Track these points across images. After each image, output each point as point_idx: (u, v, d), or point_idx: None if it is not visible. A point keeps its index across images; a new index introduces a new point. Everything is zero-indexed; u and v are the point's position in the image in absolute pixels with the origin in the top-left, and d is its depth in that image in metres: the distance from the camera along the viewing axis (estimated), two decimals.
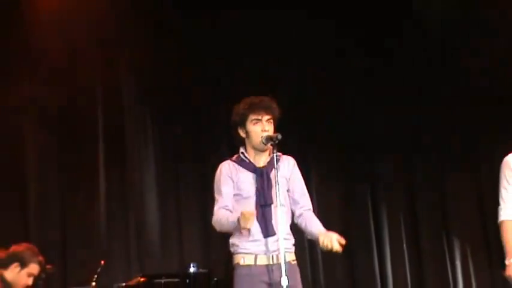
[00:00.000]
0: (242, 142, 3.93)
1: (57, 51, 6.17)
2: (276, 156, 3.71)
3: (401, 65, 6.89)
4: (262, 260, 3.78)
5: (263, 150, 3.89)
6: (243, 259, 3.79)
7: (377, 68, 6.89)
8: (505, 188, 3.88)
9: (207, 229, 6.23)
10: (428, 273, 6.86)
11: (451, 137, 6.96)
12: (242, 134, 3.90)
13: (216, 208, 3.85)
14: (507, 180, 3.87)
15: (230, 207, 3.82)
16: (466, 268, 6.82)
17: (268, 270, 3.75)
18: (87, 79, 6.27)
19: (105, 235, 6.11)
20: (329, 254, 3.81)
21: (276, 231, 3.75)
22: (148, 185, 6.41)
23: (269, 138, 3.78)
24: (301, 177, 3.99)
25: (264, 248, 3.77)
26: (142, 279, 5.08)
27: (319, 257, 6.68)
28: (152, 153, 6.47)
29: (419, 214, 6.96)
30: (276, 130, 3.87)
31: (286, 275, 3.57)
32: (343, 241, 3.72)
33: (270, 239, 3.77)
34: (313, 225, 3.89)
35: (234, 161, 3.92)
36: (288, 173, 3.93)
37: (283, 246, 3.65)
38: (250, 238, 3.79)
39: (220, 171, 3.91)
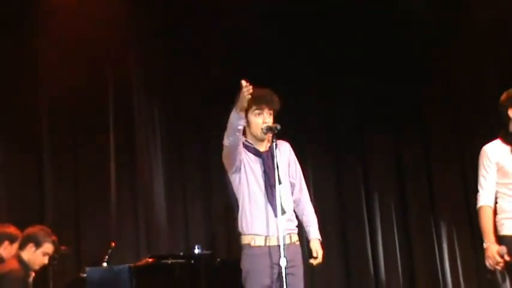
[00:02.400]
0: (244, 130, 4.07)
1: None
2: (276, 143, 3.85)
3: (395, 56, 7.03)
4: (273, 241, 3.86)
5: (262, 139, 4.07)
6: (254, 240, 3.88)
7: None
8: (483, 176, 4.14)
9: (211, 211, 6.60)
10: (417, 255, 6.96)
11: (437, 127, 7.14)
12: (244, 122, 3.94)
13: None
14: (485, 169, 4.13)
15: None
16: (452, 249, 6.92)
17: (278, 251, 3.77)
18: (98, 70, 6.37)
19: (116, 218, 6.25)
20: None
21: (286, 210, 3.91)
22: (155, 168, 6.50)
23: (269, 129, 3.97)
24: (296, 160, 4.20)
25: (274, 229, 3.84)
26: (150, 260, 5.13)
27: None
28: (159, 137, 6.53)
29: (409, 200, 7.08)
30: (275, 121, 4.03)
31: (284, 257, 3.67)
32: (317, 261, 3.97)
33: (280, 219, 3.82)
34: (310, 224, 4.05)
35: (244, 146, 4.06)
36: (287, 157, 4.13)
37: (286, 226, 3.79)
38: (261, 219, 3.89)
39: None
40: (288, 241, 3.88)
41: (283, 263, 3.67)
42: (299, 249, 4.00)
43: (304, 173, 4.24)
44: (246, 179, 3.99)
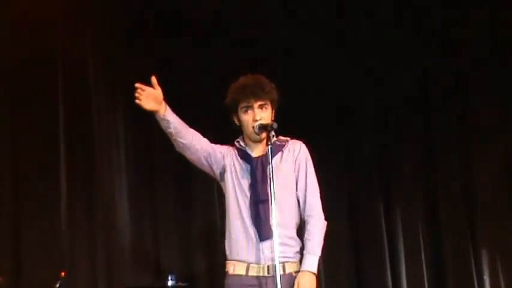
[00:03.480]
0: (239, 130, 4.00)
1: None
2: (272, 147, 3.75)
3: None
4: (253, 271, 3.79)
5: (259, 140, 3.93)
6: (233, 267, 3.82)
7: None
8: None
9: (188, 234, 6.41)
10: None
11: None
12: (236, 121, 3.97)
13: None
14: None
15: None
16: (495, 282, 6.80)
17: (260, 284, 3.75)
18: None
19: (67, 241, 6.01)
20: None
21: (274, 234, 3.70)
22: (117, 177, 6.38)
23: (262, 127, 3.82)
24: (307, 167, 3.98)
25: (257, 255, 3.78)
26: None
27: (321, 270, 6.66)
28: (122, 140, 6.46)
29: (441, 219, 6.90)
30: (275, 114, 3.94)
31: None
32: None
33: (265, 244, 3.76)
34: (306, 250, 3.87)
35: (234, 148, 4.02)
36: (293, 161, 3.96)
37: (278, 253, 3.64)
38: (242, 243, 3.81)
39: None
40: (280, 271, 3.67)
41: None
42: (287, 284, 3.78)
43: None
44: (233, 190, 3.91)
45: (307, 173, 3.96)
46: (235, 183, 3.92)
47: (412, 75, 7.00)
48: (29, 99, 6.16)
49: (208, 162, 3.98)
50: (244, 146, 3.98)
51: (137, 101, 3.75)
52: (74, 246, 6.08)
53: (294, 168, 3.95)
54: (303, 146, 4.01)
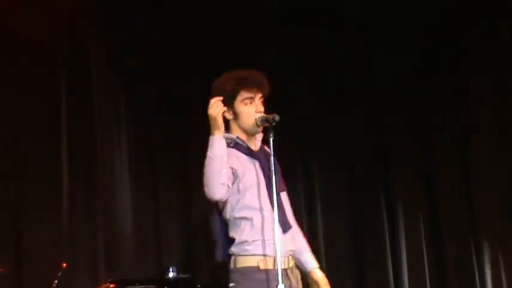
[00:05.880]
0: (226, 126, 3.87)
1: None
2: (273, 139, 3.72)
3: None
4: (270, 264, 3.75)
5: (255, 134, 3.92)
6: (261, 262, 3.75)
7: None
8: None
9: (189, 226, 6.38)
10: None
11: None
12: (228, 115, 3.87)
13: None
14: None
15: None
16: (497, 278, 6.82)
17: (286, 275, 3.76)
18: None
19: (68, 232, 6.03)
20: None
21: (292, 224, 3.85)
22: (118, 168, 6.35)
23: (265, 120, 3.79)
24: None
25: (281, 248, 3.70)
26: (111, 286, 5.06)
27: (324, 268, 6.68)
28: (125, 132, 6.45)
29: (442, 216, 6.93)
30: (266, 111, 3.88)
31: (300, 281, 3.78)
32: None
33: (287, 236, 3.79)
34: (306, 249, 3.99)
35: (232, 147, 3.89)
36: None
37: (291, 246, 3.80)
38: (266, 236, 3.76)
39: None
40: (291, 263, 3.82)
41: None
42: (298, 274, 3.89)
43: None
44: (250, 187, 3.83)
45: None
46: (250, 180, 3.84)
47: None
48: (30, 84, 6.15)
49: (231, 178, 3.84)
50: (243, 141, 3.92)
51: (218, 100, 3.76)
52: (74, 237, 6.08)
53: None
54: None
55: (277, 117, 3.75)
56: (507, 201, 6.80)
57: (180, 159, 6.44)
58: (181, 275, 5.19)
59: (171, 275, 5.17)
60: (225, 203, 3.85)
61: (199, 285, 5.30)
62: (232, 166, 3.81)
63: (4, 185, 6.01)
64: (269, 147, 3.75)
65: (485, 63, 6.85)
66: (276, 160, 3.79)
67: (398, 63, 6.93)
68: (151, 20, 6.56)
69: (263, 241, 3.77)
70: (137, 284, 5.10)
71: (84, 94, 6.34)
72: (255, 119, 3.84)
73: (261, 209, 3.80)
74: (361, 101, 6.96)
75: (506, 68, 6.83)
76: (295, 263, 3.91)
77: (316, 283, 3.93)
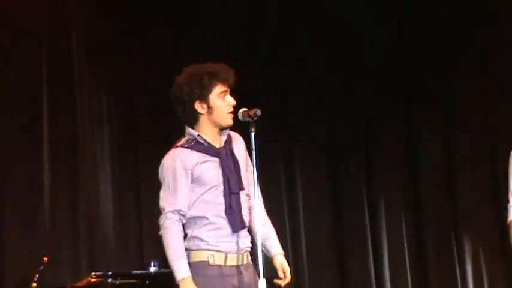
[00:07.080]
0: (192, 121, 3.81)
1: None
2: (254, 134, 3.66)
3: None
4: (232, 260, 3.76)
5: (226, 129, 3.82)
6: (212, 258, 3.73)
7: None
8: None
9: None
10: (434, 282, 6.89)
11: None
12: (201, 109, 3.77)
13: (169, 213, 3.72)
14: None
15: (185, 213, 3.73)
16: (478, 274, 6.88)
17: (238, 272, 3.75)
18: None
19: (49, 225, 6.04)
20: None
21: (247, 224, 3.80)
22: (100, 159, 6.37)
23: (247, 115, 3.70)
24: (250, 159, 3.84)
25: (234, 246, 3.75)
26: (93, 280, 5.04)
27: (305, 264, 6.75)
28: (107, 134, 6.44)
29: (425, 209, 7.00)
30: None
31: (264, 277, 3.60)
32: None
33: (242, 234, 3.77)
34: (271, 236, 3.91)
35: (187, 147, 3.80)
36: (244, 155, 3.87)
37: (260, 240, 3.67)
38: (221, 232, 3.75)
39: (175, 161, 3.76)
40: (247, 260, 3.80)
41: (262, 285, 3.59)
42: (255, 273, 3.80)
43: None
44: (205, 184, 3.77)
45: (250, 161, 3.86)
46: (206, 178, 3.77)
47: None
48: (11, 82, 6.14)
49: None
50: (204, 140, 3.80)
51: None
52: (56, 231, 6.09)
53: (244, 161, 3.87)
54: (242, 138, 3.91)
55: (259, 112, 3.66)
56: (487, 196, 6.85)
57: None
58: (164, 269, 5.08)
59: (152, 269, 5.15)
60: None
61: None
62: (187, 167, 3.76)
63: None
64: (249, 142, 3.70)
65: None
66: (247, 155, 3.81)
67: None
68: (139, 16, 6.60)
69: (216, 237, 3.75)
70: (119, 278, 5.07)
71: (67, 92, 6.35)
72: (229, 112, 3.76)
73: (215, 207, 3.77)
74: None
75: None
76: (250, 260, 3.86)
77: (279, 268, 3.87)
